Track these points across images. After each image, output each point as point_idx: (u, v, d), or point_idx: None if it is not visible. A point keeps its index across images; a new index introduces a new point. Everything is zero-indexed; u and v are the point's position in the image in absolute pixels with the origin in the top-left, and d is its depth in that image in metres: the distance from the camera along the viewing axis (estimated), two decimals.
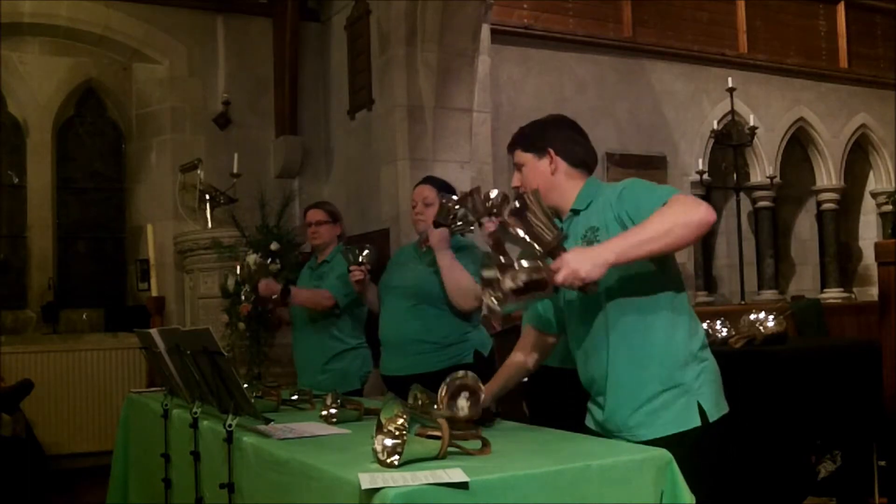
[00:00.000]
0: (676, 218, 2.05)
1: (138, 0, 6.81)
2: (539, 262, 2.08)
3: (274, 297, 3.94)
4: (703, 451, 2.18)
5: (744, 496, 3.48)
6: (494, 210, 3.02)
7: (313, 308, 3.94)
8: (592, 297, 2.20)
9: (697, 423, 2.18)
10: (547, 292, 2.08)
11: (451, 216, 3.37)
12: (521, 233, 2.14)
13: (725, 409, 2.27)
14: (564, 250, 2.11)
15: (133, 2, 6.80)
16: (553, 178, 2.39)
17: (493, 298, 2.06)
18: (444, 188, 3.64)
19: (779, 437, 3.55)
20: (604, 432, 2.28)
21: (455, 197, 3.42)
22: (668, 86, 8.36)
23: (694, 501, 2.01)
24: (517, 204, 2.17)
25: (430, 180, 3.71)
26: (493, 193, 2.92)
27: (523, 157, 2.44)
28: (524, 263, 2.07)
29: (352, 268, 3.72)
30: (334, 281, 3.91)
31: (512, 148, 2.49)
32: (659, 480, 1.97)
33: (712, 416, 2.20)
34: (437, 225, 3.39)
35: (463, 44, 6.02)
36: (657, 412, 2.19)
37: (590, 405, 2.37)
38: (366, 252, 3.73)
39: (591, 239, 2.25)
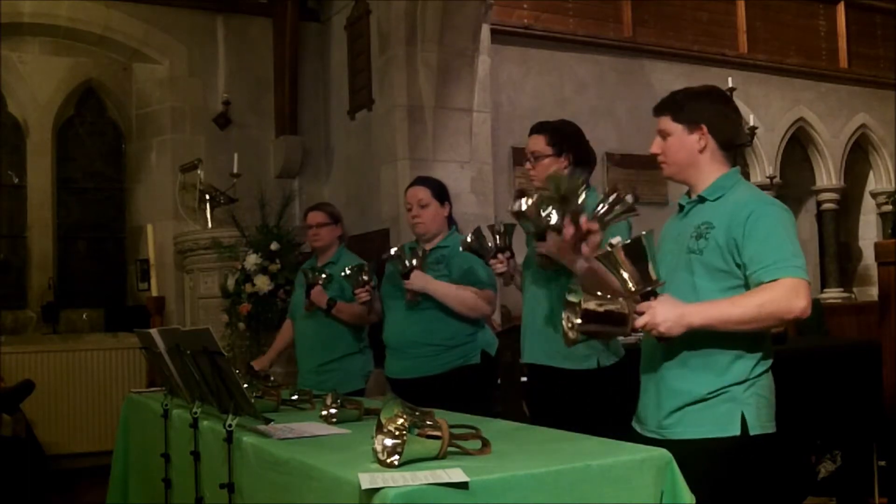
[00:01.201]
0: (772, 310, 2.04)
1: (138, 0, 6.81)
2: (625, 299, 2.04)
3: (321, 306, 3.91)
4: (737, 464, 2.14)
5: (744, 496, 3.48)
6: (505, 247, 3.04)
7: (356, 321, 3.93)
8: (690, 277, 2.17)
9: (737, 432, 2.14)
10: (623, 330, 2.04)
11: (405, 260, 3.36)
12: (623, 272, 2.07)
13: (772, 429, 2.22)
14: (656, 294, 2.06)
15: (133, 2, 6.80)
16: (699, 156, 2.27)
17: (570, 322, 2.03)
18: (438, 188, 3.60)
19: (779, 437, 3.55)
20: (641, 429, 2.26)
21: (392, 251, 3.42)
22: (668, 86, 8.22)
23: (694, 501, 2.01)
24: (634, 241, 2.06)
25: (423, 181, 3.67)
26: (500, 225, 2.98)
27: (672, 126, 2.31)
28: (609, 295, 2.03)
29: (357, 291, 3.70)
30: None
31: (659, 112, 2.36)
32: (659, 480, 1.97)
33: (754, 430, 2.16)
34: (405, 276, 3.36)
35: (463, 44, 6.02)
36: (698, 413, 2.16)
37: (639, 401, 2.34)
38: (366, 269, 3.72)
39: (702, 233, 2.18)
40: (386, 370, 3.63)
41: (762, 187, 8.99)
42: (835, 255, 9.71)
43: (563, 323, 2.06)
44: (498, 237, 3.10)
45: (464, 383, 3.36)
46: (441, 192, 3.59)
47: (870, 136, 9.91)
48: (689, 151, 2.27)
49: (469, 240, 3.16)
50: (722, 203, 2.21)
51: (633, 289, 2.06)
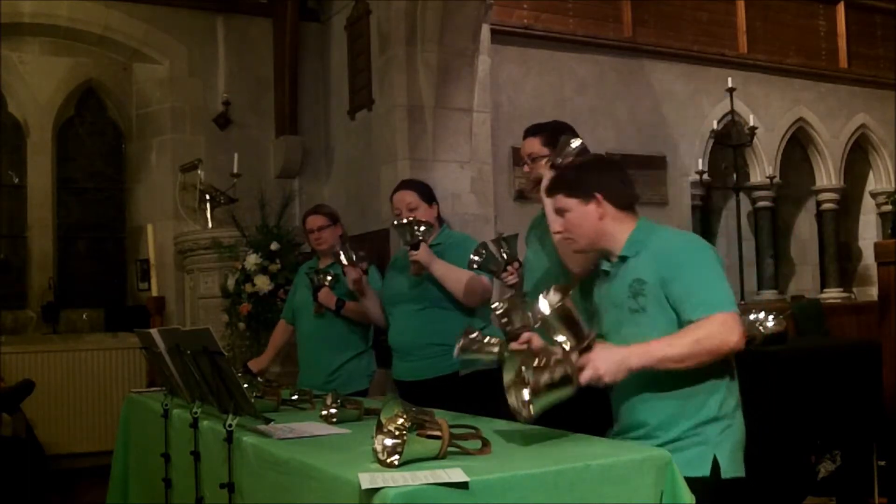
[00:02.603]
0: (707, 346, 2.09)
1: (138, 0, 6.81)
2: (564, 359, 2.06)
3: (330, 308, 3.90)
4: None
5: (744, 496, 3.48)
6: (512, 258, 3.05)
7: (364, 320, 3.93)
8: (638, 330, 2.21)
9: (706, 472, 2.16)
10: (572, 389, 2.05)
11: (415, 232, 3.34)
12: (558, 336, 2.13)
13: (741, 473, 2.23)
14: (594, 343, 2.11)
15: (133, 2, 6.80)
16: (601, 224, 2.30)
17: (519, 401, 2.04)
18: (423, 190, 3.59)
19: (779, 437, 3.55)
20: None
21: (404, 220, 3.39)
22: (667, 86, 8.36)
23: (693, 501, 2.01)
24: (556, 300, 2.13)
25: (408, 185, 3.66)
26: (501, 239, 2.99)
27: (567, 202, 2.34)
28: (544, 360, 2.05)
29: (346, 268, 3.69)
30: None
31: (553, 192, 2.39)
32: (659, 480, 1.97)
33: (726, 474, 2.18)
34: (412, 247, 3.35)
35: (463, 44, 6.02)
36: (672, 451, 2.16)
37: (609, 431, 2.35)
38: (360, 254, 3.72)
39: (637, 291, 2.22)
40: (393, 372, 3.62)
41: (762, 187, 9.07)
42: (835, 255, 9.70)
43: (513, 402, 2.07)
44: (503, 249, 3.10)
45: (472, 383, 3.36)
46: (427, 194, 3.59)
47: (870, 136, 9.90)
48: (591, 222, 2.32)
49: (477, 259, 3.15)
50: (644, 255, 2.26)
51: (569, 349, 2.11)
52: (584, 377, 2.04)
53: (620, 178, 2.37)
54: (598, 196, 2.29)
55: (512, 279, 3.07)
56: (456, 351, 2.57)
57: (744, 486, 2.24)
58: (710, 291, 2.14)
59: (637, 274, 2.23)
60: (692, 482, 2.11)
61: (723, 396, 2.22)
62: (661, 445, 2.15)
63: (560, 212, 2.37)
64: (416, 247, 3.34)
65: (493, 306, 2.82)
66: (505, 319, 2.69)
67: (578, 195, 2.32)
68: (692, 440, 2.18)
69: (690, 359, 2.09)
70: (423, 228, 3.34)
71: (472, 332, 2.58)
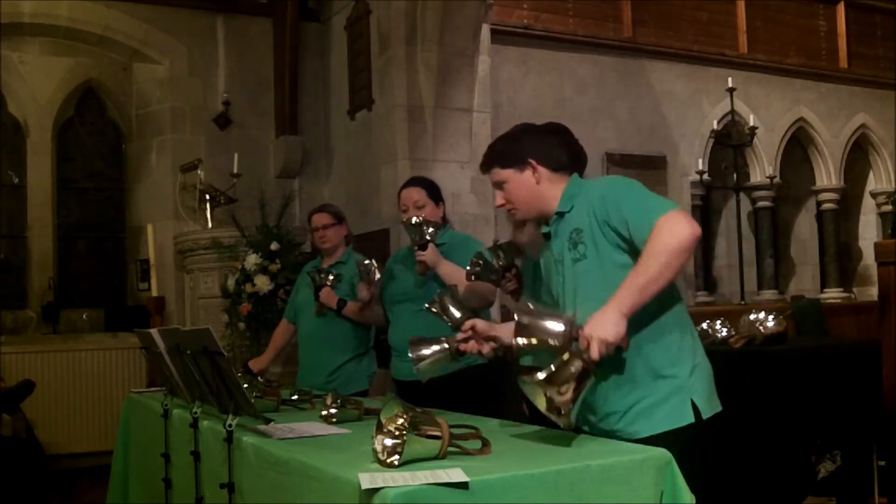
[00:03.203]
0: (669, 248, 2.06)
1: (138, 0, 6.81)
2: (566, 356, 2.05)
3: (332, 308, 3.89)
4: (697, 449, 2.17)
5: (744, 496, 3.49)
6: (510, 264, 3.04)
7: (366, 320, 3.93)
8: (584, 279, 2.22)
9: (692, 419, 2.18)
10: (592, 376, 2.05)
11: (424, 232, 3.33)
12: (534, 341, 2.13)
13: (719, 408, 2.26)
14: (579, 327, 2.09)
15: (133, 2, 6.80)
16: (539, 188, 2.34)
17: (554, 413, 2.03)
18: (431, 188, 3.58)
19: (779, 437, 3.55)
20: (599, 433, 2.26)
21: (413, 220, 3.37)
22: (668, 86, 8.36)
23: (694, 501, 2.01)
24: (517, 319, 2.14)
25: (417, 182, 3.64)
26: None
27: (503, 173, 2.37)
28: (556, 367, 2.04)
29: (362, 285, 3.70)
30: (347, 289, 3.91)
31: (487, 167, 2.42)
32: (659, 480, 1.97)
33: (706, 414, 2.20)
34: (421, 247, 3.34)
35: (463, 44, 6.02)
36: (651, 409, 2.18)
37: (582, 409, 2.35)
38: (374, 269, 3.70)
39: (576, 241, 2.25)
40: (393, 372, 3.62)
41: (762, 187, 9.07)
42: (835, 255, 9.70)
43: (550, 417, 2.05)
44: (500, 257, 3.10)
45: (472, 383, 3.36)
46: (435, 193, 3.57)
47: (870, 136, 9.91)
48: (529, 188, 2.35)
49: (473, 270, 3.14)
50: (577, 206, 2.29)
51: (560, 345, 2.10)
52: (594, 352, 2.03)
53: (549, 141, 2.39)
54: (532, 161, 2.33)
55: (511, 286, 3.07)
56: (413, 363, 2.59)
57: (749, 437, 2.25)
58: (642, 207, 2.15)
59: (574, 225, 2.27)
60: (680, 432, 2.14)
61: (678, 336, 2.22)
62: (641, 410, 2.17)
63: (499, 185, 2.40)
64: (423, 247, 3.33)
65: (425, 307, 2.89)
66: (444, 316, 2.77)
67: (512, 164, 2.35)
68: (666, 388, 2.18)
69: (663, 271, 2.06)
70: (431, 230, 3.34)
71: (417, 340, 2.61)
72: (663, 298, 2.18)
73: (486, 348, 2.48)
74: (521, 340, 2.13)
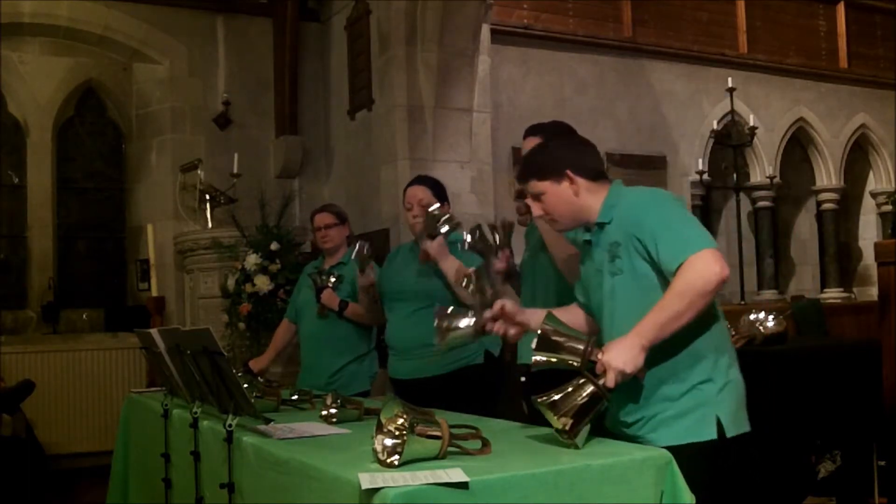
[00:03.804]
0: (696, 290, 2.05)
1: (138, 0, 6.81)
2: (582, 380, 2.08)
3: (333, 309, 3.88)
4: (716, 466, 2.16)
5: (744, 496, 3.48)
6: (504, 243, 3.05)
7: (367, 321, 3.93)
8: (620, 293, 2.22)
9: (714, 435, 2.15)
10: (606, 401, 2.08)
11: (439, 225, 3.33)
12: (553, 359, 2.16)
13: (746, 428, 2.23)
14: (599, 350, 2.11)
15: (133, 2, 6.80)
16: (577, 199, 2.32)
17: (566, 441, 2.07)
18: (436, 187, 3.58)
19: (779, 437, 3.55)
20: (622, 437, 2.26)
21: (437, 205, 3.39)
22: (668, 86, 8.36)
23: (694, 501, 2.01)
24: (539, 336, 2.16)
25: (423, 180, 3.65)
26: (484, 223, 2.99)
27: (540, 185, 2.34)
28: (571, 390, 2.08)
29: (361, 277, 3.71)
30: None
31: (524, 179, 2.39)
32: (659, 480, 1.97)
33: (730, 432, 2.17)
34: (430, 237, 3.34)
35: (463, 44, 6.02)
36: (674, 419, 2.17)
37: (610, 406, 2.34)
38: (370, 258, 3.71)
39: (614, 254, 2.23)
40: (389, 371, 3.62)
41: (762, 187, 9.07)
42: (835, 255, 9.70)
43: (560, 438, 2.09)
44: (497, 234, 3.11)
45: (469, 383, 3.36)
46: (441, 192, 3.58)
47: (870, 136, 9.90)
48: (567, 200, 2.32)
49: (471, 239, 3.15)
50: (616, 218, 2.27)
51: (579, 366, 2.12)
52: (610, 381, 2.05)
53: (582, 149, 2.38)
54: (570, 173, 2.31)
55: (500, 265, 3.08)
56: (437, 331, 2.56)
57: (750, 440, 2.23)
58: (678, 238, 2.13)
59: (613, 237, 2.25)
60: (700, 447, 2.13)
61: (713, 357, 2.21)
62: (664, 419, 2.16)
63: (536, 196, 2.37)
64: (432, 237, 3.34)
65: (463, 284, 2.87)
66: (478, 293, 2.77)
67: (550, 176, 2.33)
68: (690, 404, 2.17)
69: (687, 310, 2.06)
70: (446, 228, 3.34)
71: (444, 310, 2.58)
72: (700, 321, 2.16)
73: (513, 331, 2.43)
74: (540, 357, 2.16)
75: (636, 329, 2.09)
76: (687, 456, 2.06)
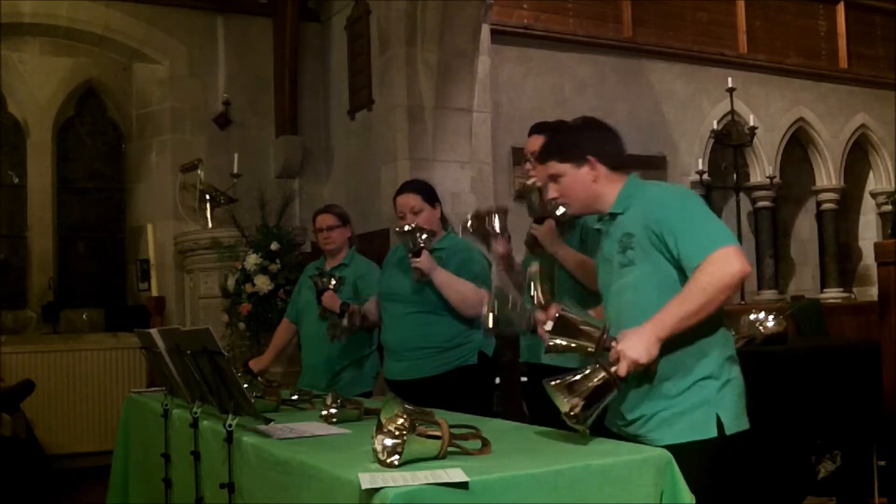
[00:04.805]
0: (718, 284, 2.07)
1: (138, 0, 6.81)
2: (594, 366, 2.09)
3: (334, 311, 3.86)
4: (717, 464, 2.17)
5: (744, 496, 3.48)
6: (503, 229, 3.06)
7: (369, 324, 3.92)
8: (629, 284, 2.22)
9: (714, 433, 2.16)
10: (615, 391, 2.08)
11: (418, 239, 3.31)
12: (573, 344, 2.16)
13: (745, 426, 2.24)
14: (613, 339, 2.11)
15: (133, 2, 6.80)
16: (595, 186, 2.32)
17: (574, 426, 2.08)
18: (426, 191, 3.54)
19: (779, 436, 3.55)
20: (624, 436, 2.26)
21: (405, 228, 3.35)
22: (667, 86, 8.36)
23: (694, 501, 2.01)
24: (556, 319, 2.16)
25: (411, 187, 3.60)
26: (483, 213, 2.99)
27: (560, 167, 2.34)
28: (582, 376, 2.08)
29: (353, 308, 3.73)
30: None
31: (545, 158, 2.39)
32: (659, 480, 1.97)
33: (730, 430, 2.18)
34: (415, 254, 3.32)
35: (463, 44, 6.02)
36: (675, 418, 2.18)
37: (610, 412, 2.34)
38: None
39: (626, 245, 2.23)
40: (385, 373, 3.62)
41: (762, 187, 9.07)
42: (835, 255, 9.70)
43: (568, 422, 2.09)
44: (496, 220, 3.11)
45: (462, 384, 3.36)
46: (431, 195, 3.55)
47: (869, 136, 9.90)
48: (585, 185, 2.33)
49: (470, 224, 3.16)
50: (632, 210, 2.27)
51: (593, 351, 2.13)
52: (623, 370, 2.05)
53: (609, 138, 2.38)
54: (591, 159, 2.31)
55: (501, 248, 3.13)
56: (488, 315, 2.58)
57: (750, 440, 2.24)
58: (700, 234, 2.14)
59: (626, 228, 2.25)
60: (701, 445, 2.14)
61: (716, 354, 2.21)
62: (666, 418, 2.17)
63: (554, 177, 2.37)
64: (417, 254, 3.32)
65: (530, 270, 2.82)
66: (535, 289, 2.72)
67: (571, 160, 2.33)
68: (691, 401, 2.17)
69: (707, 305, 2.08)
70: (424, 236, 3.32)
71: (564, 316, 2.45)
72: (711, 319, 2.17)
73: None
74: (559, 341, 2.16)
75: (654, 321, 2.09)
76: (688, 455, 2.06)
